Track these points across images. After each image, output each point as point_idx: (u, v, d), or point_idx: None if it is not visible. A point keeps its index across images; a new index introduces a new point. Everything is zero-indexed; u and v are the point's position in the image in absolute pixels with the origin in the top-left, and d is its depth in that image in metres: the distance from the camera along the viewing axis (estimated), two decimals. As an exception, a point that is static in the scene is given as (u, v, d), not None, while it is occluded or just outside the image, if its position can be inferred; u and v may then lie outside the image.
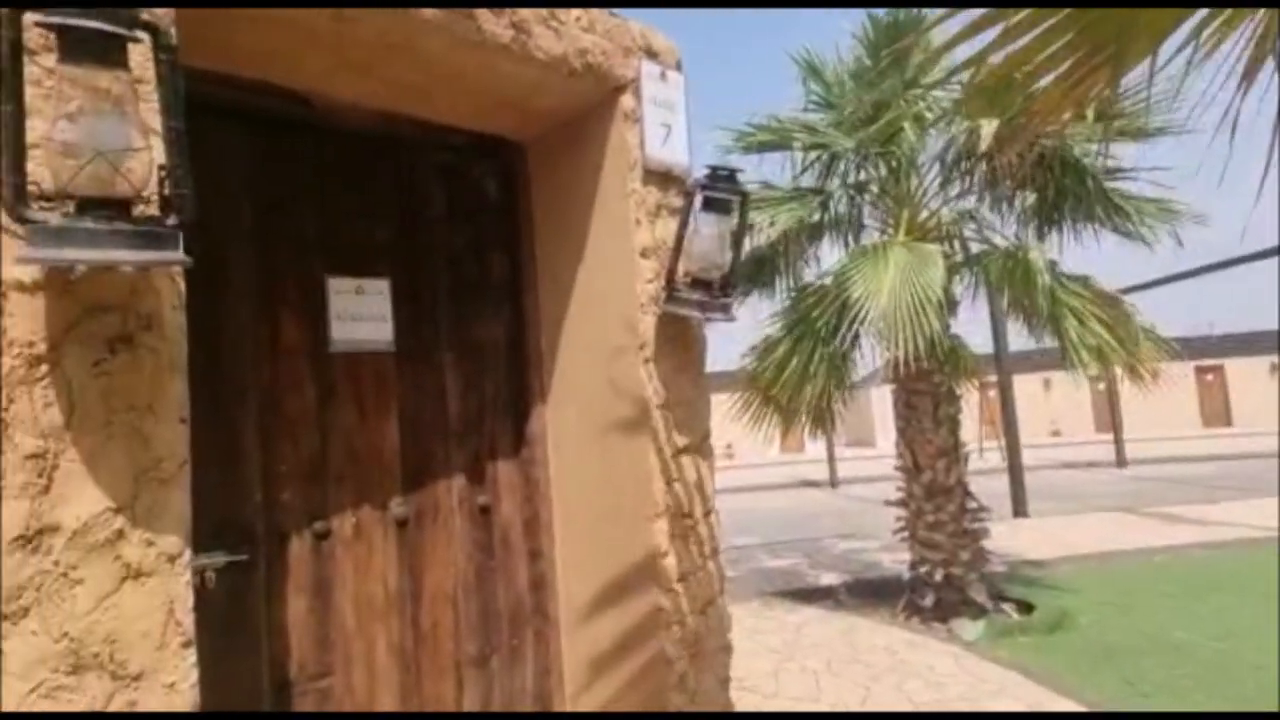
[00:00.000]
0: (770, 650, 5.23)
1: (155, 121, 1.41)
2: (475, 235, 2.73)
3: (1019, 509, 9.97)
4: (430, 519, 2.54)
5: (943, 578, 5.63)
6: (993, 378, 10.32)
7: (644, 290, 2.42)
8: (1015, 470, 10.01)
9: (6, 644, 1.31)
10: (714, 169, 2.32)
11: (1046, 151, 5.38)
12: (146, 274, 1.47)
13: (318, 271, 2.40)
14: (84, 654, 1.36)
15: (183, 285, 1.53)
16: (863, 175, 6.21)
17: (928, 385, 5.78)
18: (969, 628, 5.29)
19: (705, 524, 2.47)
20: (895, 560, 7.17)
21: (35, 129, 1.26)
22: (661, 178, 2.50)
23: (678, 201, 2.48)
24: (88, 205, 1.28)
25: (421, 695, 2.46)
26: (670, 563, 2.36)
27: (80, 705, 1.36)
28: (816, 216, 6.18)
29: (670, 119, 2.52)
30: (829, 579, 7.16)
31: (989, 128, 5.12)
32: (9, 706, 1.31)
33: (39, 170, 1.26)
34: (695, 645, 2.39)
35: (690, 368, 2.51)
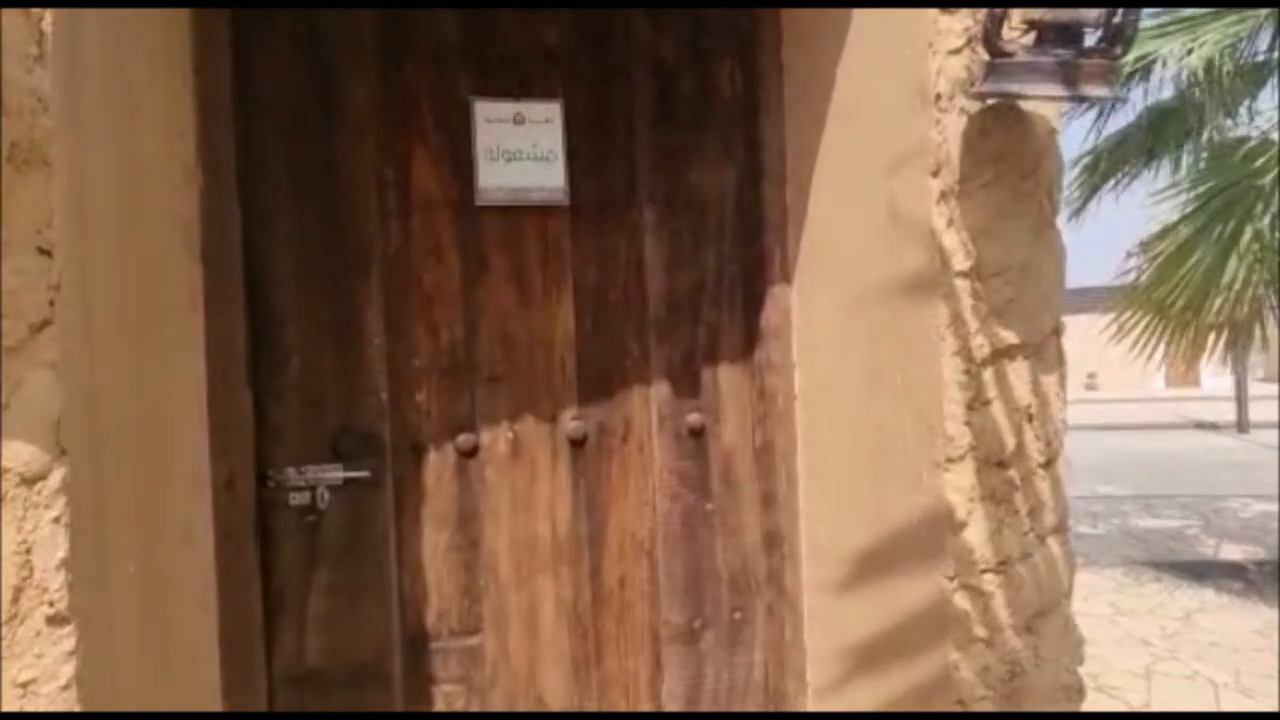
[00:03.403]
0: (1140, 642, 3.86)
1: None
2: (692, 33, 1.86)
3: None
4: (618, 440, 1.83)
5: None
6: None
7: (945, 68, 1.38)
8: None
9: None
10: None
11: None
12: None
13: (461, 92, 1.74)
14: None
15: (47, 26, 0.91)
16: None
17: None
18: None
19: (1041, 481, 1.42)
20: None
21: None
22: None
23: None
24: None
25: (603, 670, 1.81)
26: (972, 538, 1.38)
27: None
28: (1264, 40, 4.28)
29: None
30: (1234, 552, 5.32)
31: None
32: None
33: None
34: (1013, 680, 1.40)
35: (1027, 205, 1.42)
